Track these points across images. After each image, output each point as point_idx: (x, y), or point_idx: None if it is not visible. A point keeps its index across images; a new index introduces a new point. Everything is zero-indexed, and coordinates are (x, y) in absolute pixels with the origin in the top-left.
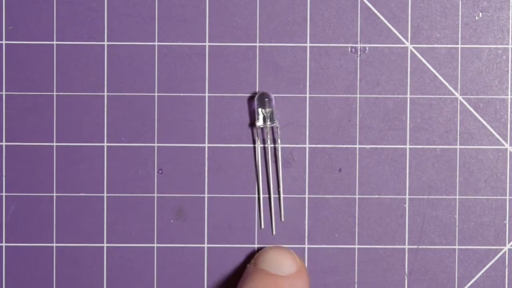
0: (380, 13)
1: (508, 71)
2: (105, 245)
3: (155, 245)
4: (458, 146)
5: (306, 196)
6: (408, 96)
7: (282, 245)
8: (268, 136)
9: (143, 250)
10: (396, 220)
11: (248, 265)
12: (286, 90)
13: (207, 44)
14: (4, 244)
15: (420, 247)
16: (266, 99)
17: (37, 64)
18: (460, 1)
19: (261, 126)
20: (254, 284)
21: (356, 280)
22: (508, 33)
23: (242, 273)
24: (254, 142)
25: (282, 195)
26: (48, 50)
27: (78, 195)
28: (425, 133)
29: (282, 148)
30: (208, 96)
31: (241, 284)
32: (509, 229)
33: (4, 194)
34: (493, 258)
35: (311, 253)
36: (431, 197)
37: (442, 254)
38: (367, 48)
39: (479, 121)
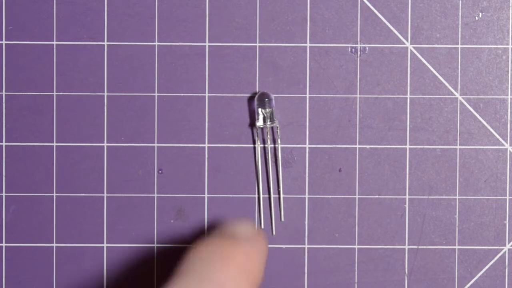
0: (380, 13)
1: (508, 71)
2: (105, 245)
3: (155, 245)
4: (458, 146)
5: (306, 196)
6: (408, 96)
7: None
8: (268, 136)
9: (143, 250)
10: (396, 220)
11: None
12: (286, 90)
13: (207, 44)
14: (4, 244)
15: (420, 247)
16: (266, 99)
17: (37, 64)
18: (460, 1)
19: (261, 126)
20: (211, 240)
21: (356, 280)
22: (508, 33)
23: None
24: (254, 142)
25: (282, 195)
26: (48, 50)
27: (78, 195)
28: (425, 133)
29: (282, 148)
30: (208, 96)
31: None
32: (509, 229)
33: (4, 194)
34: (493, 258)
35: (311, 253)
36: (431, 197)
37: (442, 254)
38: (367, 48)
39: (479, 121)
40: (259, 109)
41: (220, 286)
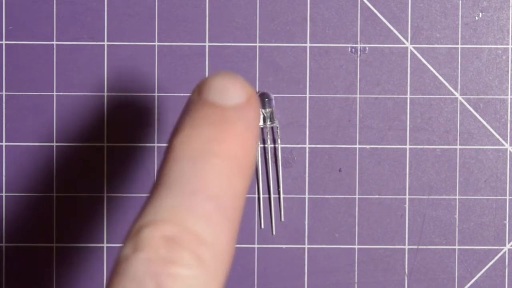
0: (380, 13)
1: (508, 71)
2: (105, 245)
3: None
4: (458, 146)
5: (306, 196)
6: (408, 96)
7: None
8: (268, 136)
9: None
10: (396, 220)
11: (191, 95)
12: (286, 90)
13: (207, 44)
14: (4, 244)
15: (420, 247)
16: (266, 99)
17: (37, 64)
18: (460, 1)
19: (261, 126)
20: (198, 119)
21: (356, 280)
22: (508, 33)
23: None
24: None
25: (282, 195)
26: (48, 50)
27: (78, 195)
28: (425, 133)
29: (282, 148)
30: None
31: (183, 117)
32: (509, 229)
33: (4, 194)
34: (493, 258)
35: (311, 253)
36: (431, 197)
37: (442, 254)
38: (367, 48)
39: (479, 121)
40: (259, 109)
41: (215, 198)
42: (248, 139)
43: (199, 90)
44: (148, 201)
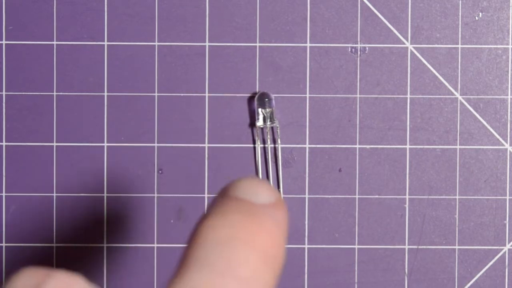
0: (380, 13)
1: (508, 71)
2: (105, 245)
3: (155, 245)
4: (458, 146)
5: (306, 196)
6: (408, 96)
7: None
8: (268, 136)
9: (143, 250)
10: (396, 220)
11: (217, 195)
12: (286, 90)
13: (207, 44)
14: (4, 244)
15: (420, 247)
16: (266, 99)
17: (37, 64)
18: (460, 1)
19: (261, 126)
20: (226, 208)
21: (356, 280)
22: (508, 33)
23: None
24: (254, 142)
25: (282, 195)
26: (48, 50)
27: (78, 195)
28: (425, 133)
29: (282, 148)
30: (208, 96)
31: (209, 209)
32: (509, 229)
33: (4, 194)
34: (493, 258)
35: (311, 253)
36: (431, 197)
37: (442, 254)
38: (367, 48)
39: (479, 121)
40: (259, 109)
41: (246, 283)
42: (277, 235)
43: (226, 190)
44: (176, 277)
